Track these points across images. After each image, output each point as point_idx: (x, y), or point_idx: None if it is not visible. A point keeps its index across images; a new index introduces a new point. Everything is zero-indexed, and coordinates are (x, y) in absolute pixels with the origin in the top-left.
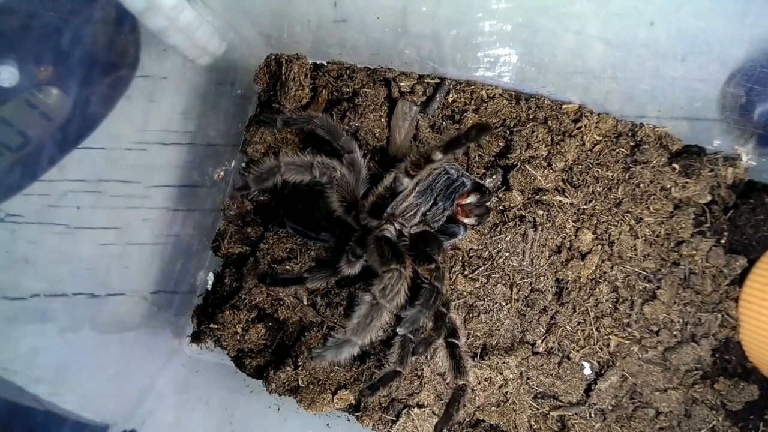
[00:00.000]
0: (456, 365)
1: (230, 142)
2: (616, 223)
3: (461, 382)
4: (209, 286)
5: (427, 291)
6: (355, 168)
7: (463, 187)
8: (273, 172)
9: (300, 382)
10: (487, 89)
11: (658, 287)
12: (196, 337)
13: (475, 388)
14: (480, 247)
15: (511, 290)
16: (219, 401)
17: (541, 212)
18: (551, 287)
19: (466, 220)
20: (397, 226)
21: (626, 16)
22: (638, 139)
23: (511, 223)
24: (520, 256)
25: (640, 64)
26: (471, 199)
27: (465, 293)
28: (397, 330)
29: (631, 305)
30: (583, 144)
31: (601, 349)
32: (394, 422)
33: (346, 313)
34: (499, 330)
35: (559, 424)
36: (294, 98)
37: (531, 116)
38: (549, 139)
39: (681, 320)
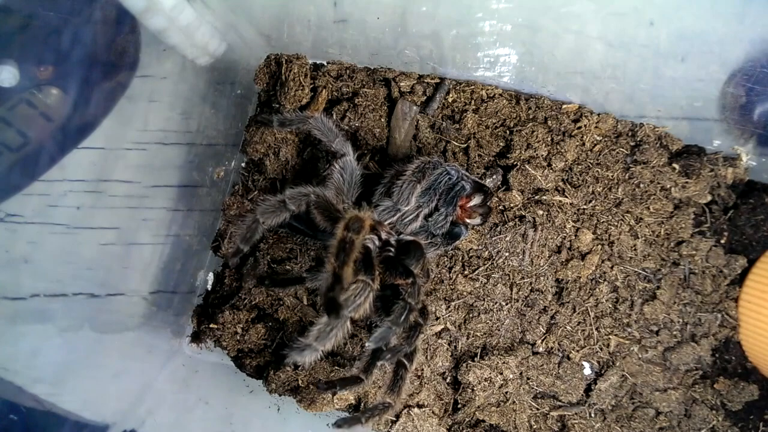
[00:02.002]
0: (393, 384)
1: (230, 142)
2: (616, 223)
3: (389, 400)
4: (209, 286)
5: (399, 307)
6: (346, 172)
7: (463, 191)
8: (255, 228)
9: (300, 382)
10: (487, 89)
11: (658, 287)
12: (196, 337)
13: (475, 388)
14: (480, 247)
15: (511, 290)
16: (219, 401)
17: (541, 212)
18: (551, 287)
19: (468, 221)
20: (384, 236)
21: (626, 16)
22: (638, 139)
23: (511, 223)
24: (520, 256)
25: (640, 64)
26: (473, 200)
27: (465, 293)
28: (366, 344)
29: (631, 305)
30: (583, 144)
31: (601, 349)
32: (394, 422)
33: None
34: (499, 330)
35: (559, 424)
36: (294, 98)
37: (531, 116)
38: (549, 139)
39: (681, 320)
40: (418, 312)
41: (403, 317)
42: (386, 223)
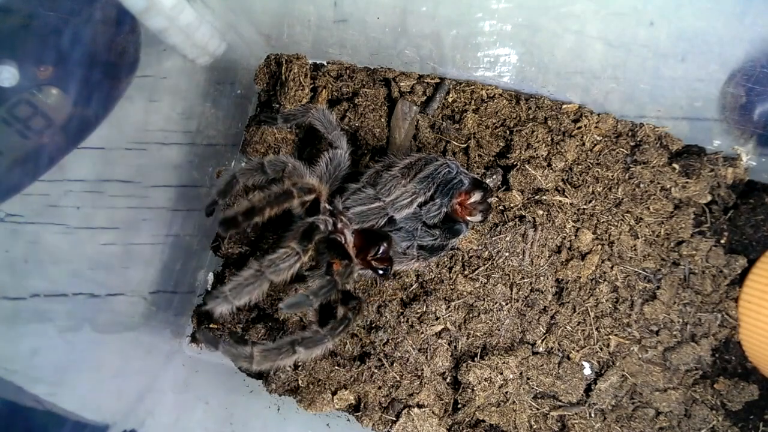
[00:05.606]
0: (272, 350)
1: (230, 142)
2: (616, 223)
3: (255, 355)
4: (209, 286)
5: (323, 281)
6: (332, 163)
7: (461, 185)
8: (232, 182)
9: (300, 382)
10: (487, 89)
11: (658, 287)
12: (196, 337)
13: (475, 388)
14: (480, 247)
15: (511, 290)
16: (219, 401)
17: (541, 212)
18: (551, 287)
19: (469, 218)
20: (340, 225)
21: (626, 16)
22: (638, 139)
23: (511, 223)
24: (520, 256)
25: (640, 64)
26: (473, 197)
27: (465, 293)
28: (279, 305)
29: (631, 305)
30: (583, 144)
31: (601, 349)
32: (394, 422)
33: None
34: (499, 330)
35: (559, 424)
36: (294, 98)
37: (531, 116)
38: (549, 139)
39: (681, 320)
40: (351, 308)
41: (323, 290)
42: (375, 205)
